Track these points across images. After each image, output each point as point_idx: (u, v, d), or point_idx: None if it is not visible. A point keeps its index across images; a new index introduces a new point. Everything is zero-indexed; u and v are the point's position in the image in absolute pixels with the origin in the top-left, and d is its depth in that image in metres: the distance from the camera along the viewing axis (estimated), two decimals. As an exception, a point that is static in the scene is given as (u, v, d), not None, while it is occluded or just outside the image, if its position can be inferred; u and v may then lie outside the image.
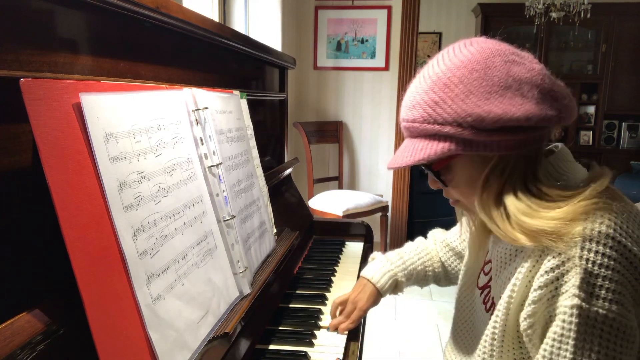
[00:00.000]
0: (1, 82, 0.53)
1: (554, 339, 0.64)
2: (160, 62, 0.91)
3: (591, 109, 5.26)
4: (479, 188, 0.72)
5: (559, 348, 0.63)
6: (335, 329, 1.03)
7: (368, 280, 1.05)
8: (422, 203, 3.88)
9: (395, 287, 1.07)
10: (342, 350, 0.97)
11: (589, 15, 3.99)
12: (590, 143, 5.29)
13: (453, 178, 0.77)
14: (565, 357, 0.62)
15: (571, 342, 0.62)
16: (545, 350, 0.65)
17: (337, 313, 1.07)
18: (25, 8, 0.57)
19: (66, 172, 0.55)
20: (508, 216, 0.69)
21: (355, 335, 1.05)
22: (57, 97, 0.56)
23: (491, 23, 5.05)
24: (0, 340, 0.48)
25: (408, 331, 2.62)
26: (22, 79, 0.51)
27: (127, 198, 0.63)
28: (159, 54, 0.91)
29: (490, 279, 0.82)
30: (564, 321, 0.62)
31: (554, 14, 4.13)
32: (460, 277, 0.96)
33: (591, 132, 5.29)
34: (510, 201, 0.68)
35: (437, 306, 2.91)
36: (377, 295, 1.05)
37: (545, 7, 4.08)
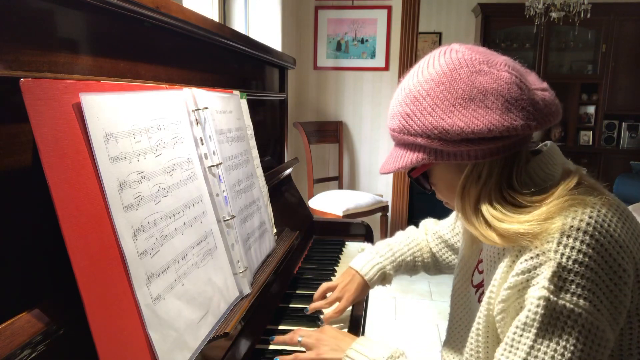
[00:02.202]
0: (1, 82, 0.53)
1: (517, 326, 0.65)
2: (160, 62, 0.91)
3: (591, 109, 5.26)
4: (458, 195, 0.75)
5: (521, 335, 0.64)
6: (315, 312, 1.06)
7: (357, 272, 1.08)
8: (422, 203, 3.89)
9: (384, 279, 1.10)
10: (342, 350, 0.97)
11: (589, 15, 3.99)
12: (590, 143, 5.29)
13: (435, 184, 0.81)
14: (525, 344, 0.63)
15: (533, 330, 0.63)
16: (508, 337, 0.66)
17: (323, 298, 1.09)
18: (25, 8, 0.57)
19: (66, 172, 0.55)
20: (485, 221, 0.71)
21: (355, 335, 1.04)
22: (57, 97, 0.56)
23: (491, 23, 5.05)
24: (0, 340, 0.48)
25: (408, 331, 2.62)
26: (22, 79, 0.51)
27: (127, 198, 0.63)
28: (159, 54, 0.91)
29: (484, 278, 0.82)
30: (529, 310, 0.63)
31: (554, 14, 4.13)
32: (454, 273, 0.96)
33: (591, 132, 5.29)
34: (485, 208, 0.71)
35: (437, 306, 2.91)
36: (364, 287, 1.08)
37: (545, 7, 4.08)
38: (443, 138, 0.69)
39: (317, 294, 1.10)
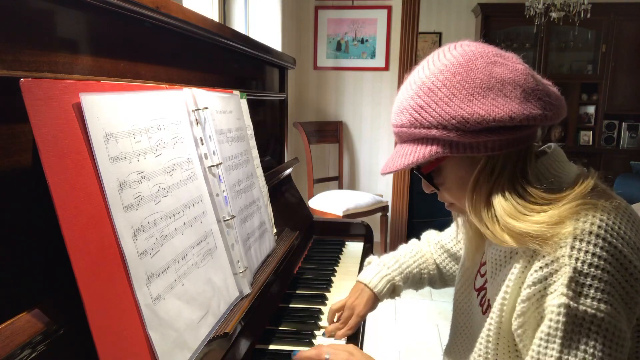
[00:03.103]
0: (1, 82, 0.53)
1: (541, 338, 0.63)
2: (160, 62, 0.91)
3: (591, 109, 5.26)
4: (469, 190, 0.73)
5: (546, 347, 0.63)
6: (332, 335, 1.02)
7: (365, 285, 1.04)
8: (422, 203, 3.89)
9: (393, 291, 1.06)
10: (342, 350, 0.97)
11: (589, 15, 3.99)
12: (590, 143, 5.29)
13: (444, 181, 0.78)
14: (552, 356, 0.62)
15: (558, 340, 0.62)
16: (533, 350, 0.65)
17: (335, 319, 1.05)
18: (25, 8, 0.57)
19: (66, 172, 0.55)
20: (496, 218, 0.69)
21: (355, 335, 1.04)
22: (57, 97, 0.56)
23: (491, 23, 5.05)
24: (0, 340, 0.48)
25: (408, 331, 2.62)
26: (22, 79, 0.51)
27: (127, 198, 0.63)
28: (159, 54, 0.91)
29: (486, 281, 0.82)
30: (551, 320, 0.62)
31: (554, 14, 4.13)
32: (457, 278, 0.95)
33: (591, 132, 5.29)
34: (498, 202, 0.69)
35: (437, 306, 2.91)
36: (374, 300, 1.04)
37: (545, 7, 4.08)
38: (461, 128, 0.68)
39: (329, 316, 1.05)
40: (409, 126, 0.72)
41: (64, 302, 0.56)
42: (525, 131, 0.69)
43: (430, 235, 1.16)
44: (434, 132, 0.69)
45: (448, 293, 3.05)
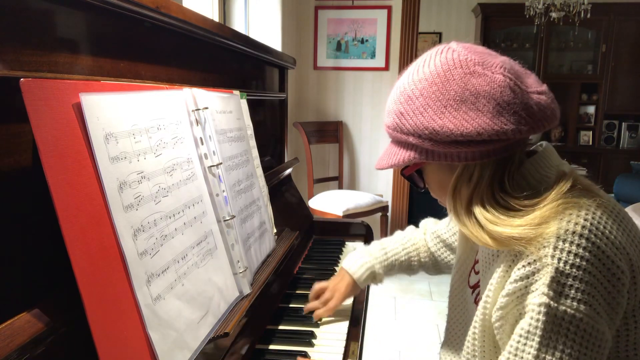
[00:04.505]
0: (1, 82, 0.53)
1: (520, 335, 0.64)
2: (160, 62, 0.91)
3: (591, 109, 5.27)
4: (449, 195, 0.74)
5: (524, 344, 0.64)
6: (310, 312, 1.09)
7: (346, 271, 1.11)
8: (422, 203, 3.89)
9: (374, 278, 1.11)
10: (342, 350, 0.97)
11: (589, 15, 4.00)
12: (590, 143, 5.29)
13: (428, 183, 0.82)
14: (529, 353, 0.63)
15: (536, 339, 0.62)
16: (511, 346, 0.65)
17: (317, 297, 1.12)
18: (25, 8, 0.57)
19: (66, 172, 0.55)
20: (478, 223, 0.70)
21: (355, 335, 1.05)
22: (57, 97, 0.56)
23: (491, 23, 5.05)
24: (0, 340, 0.48)
25: (408, 331, 2.62)
26: (22, 79, 0.51)
27: (127, 198, 0.63)
28: (159, 54, 0.91)
29: (480, 279, 0.82)
30: (531, 318, 0.63)
31: (554, 14, 4.13)
32: (452, 274, 0.96)
33: (591, 132, 5.29)
34: (478, 210, 0.70)
35: (437, 306, 2.91)
36: (354, 286, 1.10)
37: (545, 7, 4.09)
38: (433, 139, 0.69)
39: (311, 294, 1.13)
40: (393, 129, 0.75)
41: (64, 302, 0.56)
42: (498, 144, 0.68)
43: (428, 224, 1.19)
44: (411, 139, 0.72)
45: (448, 293, 3.04)
